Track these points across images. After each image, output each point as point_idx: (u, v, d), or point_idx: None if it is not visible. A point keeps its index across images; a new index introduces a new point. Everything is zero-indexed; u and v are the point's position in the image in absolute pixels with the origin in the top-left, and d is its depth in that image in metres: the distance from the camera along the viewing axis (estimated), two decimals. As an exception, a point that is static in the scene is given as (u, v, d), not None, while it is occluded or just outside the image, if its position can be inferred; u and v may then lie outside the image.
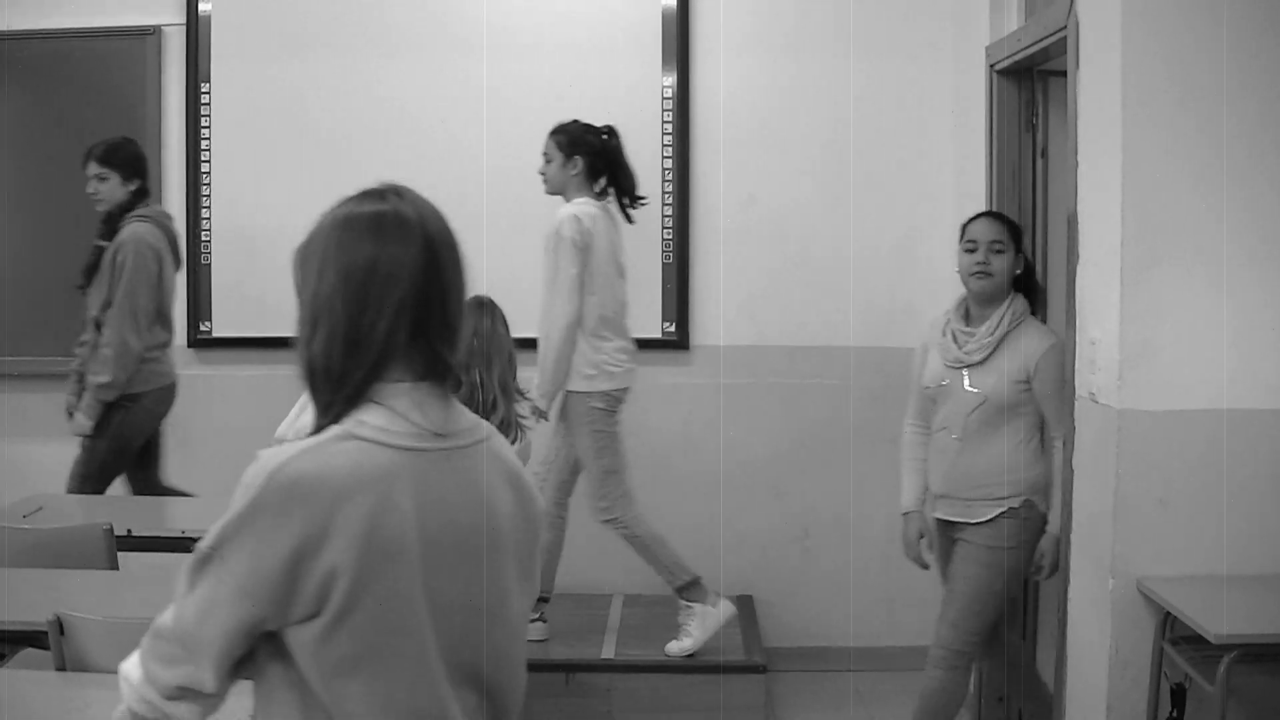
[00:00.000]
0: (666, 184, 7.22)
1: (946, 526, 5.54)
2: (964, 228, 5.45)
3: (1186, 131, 4.66)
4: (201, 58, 7.32)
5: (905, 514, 5.72)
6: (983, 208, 6.33)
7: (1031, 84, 6.18)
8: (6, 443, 7.28)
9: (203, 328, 7.37)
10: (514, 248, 7.20)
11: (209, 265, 7.34)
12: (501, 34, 7.24)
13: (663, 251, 7.26)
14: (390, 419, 2.39)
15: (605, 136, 6.41)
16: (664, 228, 7.24)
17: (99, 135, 7.10)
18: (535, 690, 6.23)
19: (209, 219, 7.34)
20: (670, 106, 7.23)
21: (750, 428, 7.30)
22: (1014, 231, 5.43)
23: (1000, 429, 5.31)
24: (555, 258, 6.19)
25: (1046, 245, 6.15)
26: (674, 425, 7.32)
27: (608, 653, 6.41)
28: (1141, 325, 4.67)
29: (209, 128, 7.33)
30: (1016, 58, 5.93)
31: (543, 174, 6.43)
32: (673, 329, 7.28)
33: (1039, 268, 6.18)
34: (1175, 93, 4.66)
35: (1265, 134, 4.68)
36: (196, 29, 7.31)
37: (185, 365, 7.23)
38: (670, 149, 7.21)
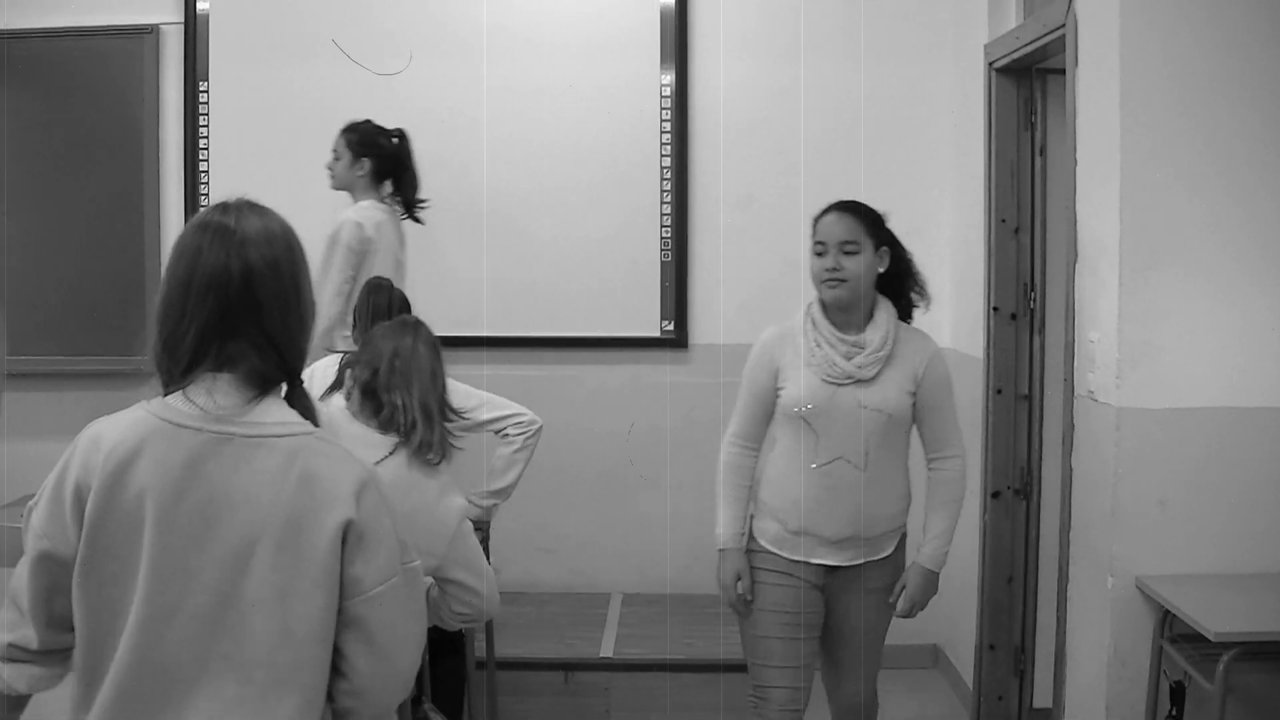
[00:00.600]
0: (665, 183, 7.22)
1: (826, 572, 4.78)
2: (814, 223, 4.73)
3: (1185, 130, 4.66)
4: (200, 56, 7.32)
5: (723, 550, 4.89)
6: (981, 206, 6.33)
7: (1030, 82, 6.18)
8: (7, 443, 7.28)
9: (201, 327, 7.35)
10: (514, 247, 7.21)
11: (208, 265, 7.32)
12: (501, 34, 7.24)
13: (661, 250, 7.25)
14: (181, 401, 2.59)
15: (396, 140, 6.50)
16: (662, 226, 7.23)
17: (97, 133, 7.11)
18: (533, 688, 6.28)
19: (207, 218, 7.32)
20: (669, 105, 7.23)
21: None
22: (873, 224, 4.70)
23: (900, 450, 4.73)
24: (328, 256, 6.20)
25: (1045, 243, 6.14)
26: (673, 424, 7.31)
27: (606, 651, 6.41)
28: (1140, 324, 4.67)
29: (207, 126, 7.33)
30: (1015, 56, 5.92)
31: (330, 170, 6.49)
32: (671, 328, 7.27)
33: (1038, 267, 6.17)
34: (1174, 91, 4.66)
35: (1264, 133, 4.68)
36: (195, 28, 7.31)
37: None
38: (669, 148, 7.21)
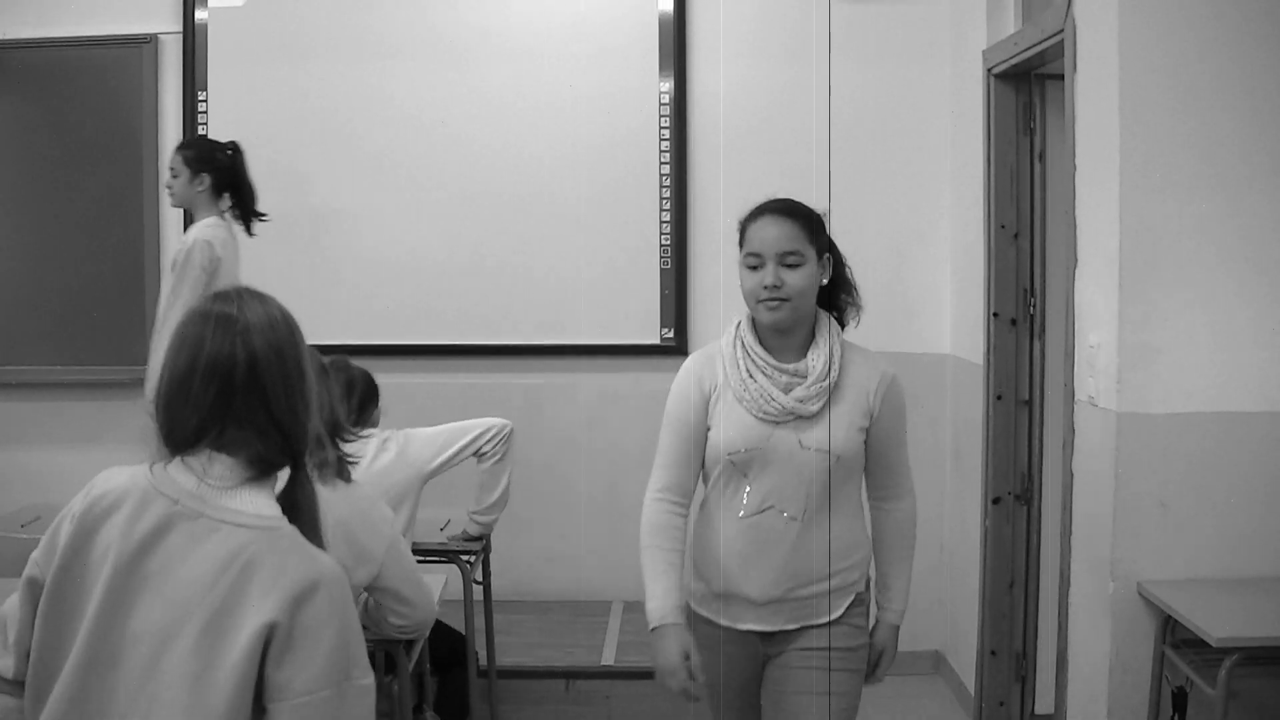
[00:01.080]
0: (664, 189, 7.22)
1: (763, 640, 4.04)
2: (742, 229, 3.99)
3: (1184, 135, 4.66)
4: (198, 66, 7.32)
5: (658, 628, 3.97)
6: (981, 211, 6.32)
7: (1029, 88, 6.17)
8: (3, 452, 7.28)
9: (200, 336, 7.35)
10: (513, 254, 7.21)
11: (208, 273, 7.34)
12: (499, 40, 7.24)
13: (660, 257, 7.25)
14: (178, 470, 2.62)
15: (230, 153, 6.50)
16: (662, 233, 7.23)
17: (96, 144, 7.11)
18: (535, 696, 6.28)
19: (206, 227, 7.33)
20: (668, 111, 7.22)
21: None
22: (815, 229, 3.95)
23: (850, 496, 3.98)
24: (181, 277, 6.22)
25: (1045, 249, 6.13)
26: (673, 431, 7.30)
27: (607, 659, 6.41)
28: (1140, 329, 4.66)
29: (205, 135, 7.32)
30: (1014, 61, 5.92)
31: (169, 189, 6.51)
32: (671, 335, 7.27)
33: (1037, 273, 6.17)
34: (1173, 96, 4.65)
35: (1263, 138, 4.68)
36: (193, 37, 7.31)
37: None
38: (668, 154, 7.20)
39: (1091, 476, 4.92)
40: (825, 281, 3.96)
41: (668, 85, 7.22)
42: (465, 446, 5.54)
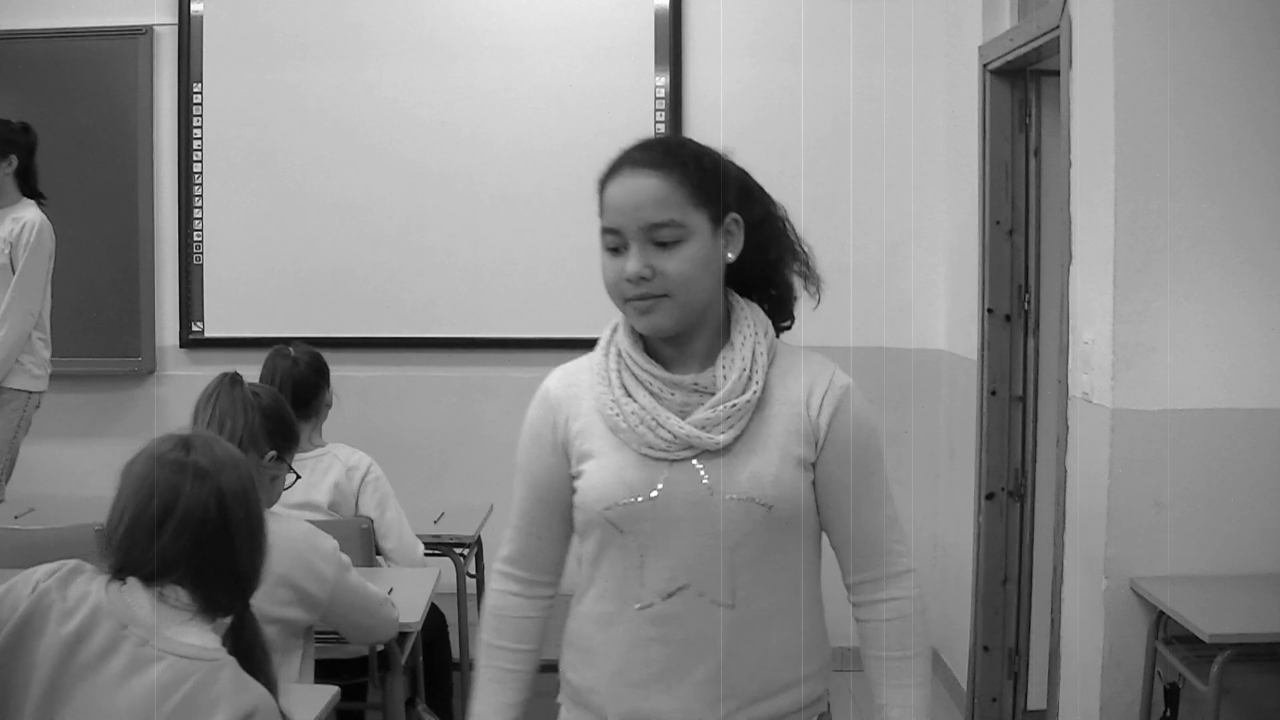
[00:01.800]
0: (659, 184, 7.21)
1: None
2: (600, 193, 2.76)
3: (1179, 131, 4.66)
4: (194, 57, 7.32)
5: None
6: (975, 207, 6.32)
7: (1024, 84, 6.17)
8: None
9: (195, 328, 7.36)
10: (509, 251, 7.22)
11: (201, 265, 7.33)
12: (495, 36, 7.24)
13: (656, 252, 7.24)
14: (132, 591, 2.66)
15: (26, 134, 6.52)
16: (657, 228, 7.22)
17: (91, 136, 7.11)
18: (535, 689, 6.26)
19: (201, 219, 7.33)
20: (663, 108, 7.22)
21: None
22: (701, 183, 2.68)
23: (794, 564, 2.72)
24: (35, 262, 6.30)
25: (1040, 245, 6.14)
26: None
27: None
28: (1134, 325, 4.67)
29: (201, 128, 7.32)
30: (1009, 57, 5.92)
31: None
32: (667, 329, 7.25)
33: (1032, 269, 6.17)
34: (1168, 92, 4.66)
35: (1259, 133, 4.68)
36: (189, 29, 7.30)
37: (177, 365, 7.26)
38: (663, 149, 7.19)
39: (1085, 473, 4.92)
40: (731, 257, 2.69)
41: (663, 81, 7.22)
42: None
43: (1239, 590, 4.56)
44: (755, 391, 2.64)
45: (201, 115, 7.32)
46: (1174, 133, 4.66)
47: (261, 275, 7.21)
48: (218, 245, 7.34)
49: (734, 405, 2.62)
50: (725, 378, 2.65)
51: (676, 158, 2.69)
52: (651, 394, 2.67)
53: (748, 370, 2.66)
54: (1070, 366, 5.08)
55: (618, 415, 2.67)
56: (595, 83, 7.22)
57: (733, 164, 2.82)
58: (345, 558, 4.04)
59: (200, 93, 7.34)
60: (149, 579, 2.64)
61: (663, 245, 2.60)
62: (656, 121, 7.22)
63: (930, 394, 7.10)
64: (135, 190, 7.30)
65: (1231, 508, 4.70)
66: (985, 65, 6.23)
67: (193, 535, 2.64)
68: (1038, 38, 5.51)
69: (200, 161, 7.34)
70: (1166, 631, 4.64)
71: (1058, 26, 5.19)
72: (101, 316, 7.35)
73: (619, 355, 2.74)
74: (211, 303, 7.35)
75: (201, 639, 2.65)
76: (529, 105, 7.23)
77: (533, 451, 2.84)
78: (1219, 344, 4.71)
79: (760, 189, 2.86)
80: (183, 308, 7.35)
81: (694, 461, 2.63)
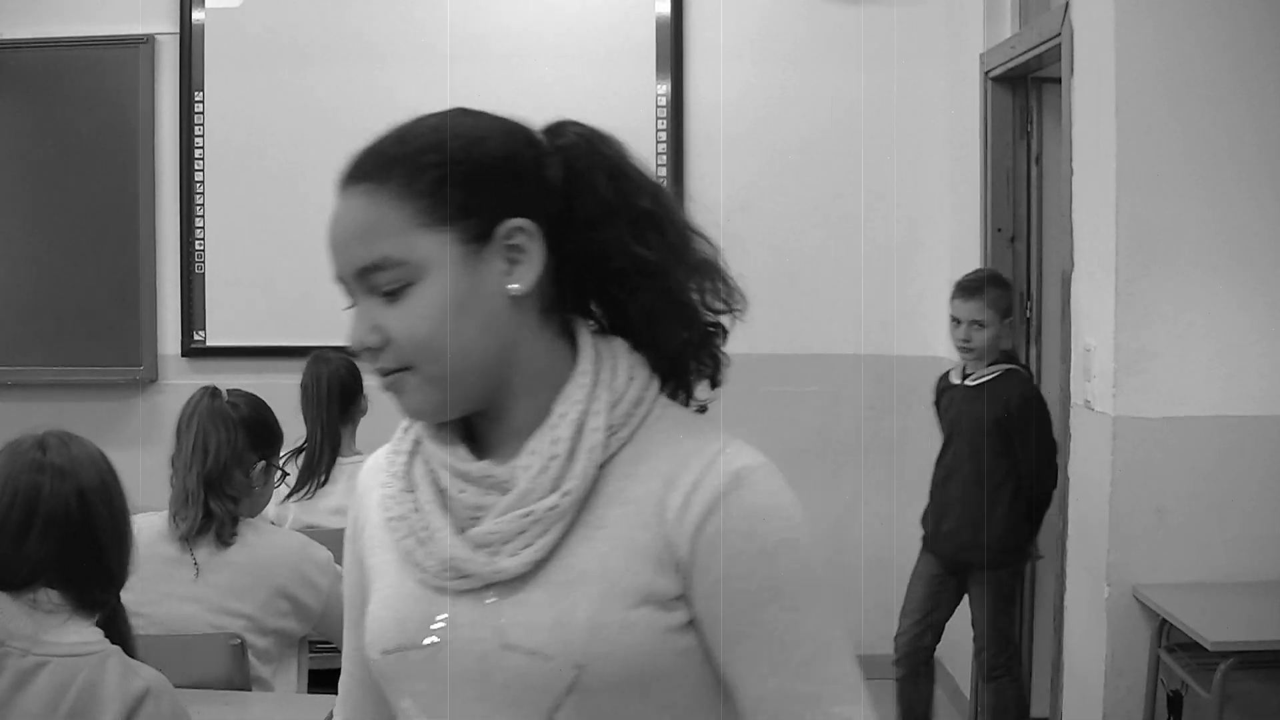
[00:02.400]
0: (661, 191, 7.21)
1: None
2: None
3: (1181, 138, 4.66)
4: (195, 66, 7.31)
5: None
6: (977, 215, 6.32)
7: (1026, 91, 6.18)
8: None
9: (196, 336, 7.35)
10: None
11: (202, 274, 7.32)
12: (497, 42, 7.23)
13: (657, 259, 7.23)
14: (2, 605, 2.62)
15: None
16: (658, 235, 7.22)
17: (92, 144, 7.10)
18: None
19: (203, 227, 7.32)
20: (664, 114, 7.22)
21: (745, 437, 7.27)
22: (438, 183, 1.83)
23: None
24: None
25: (1041, 253, 6.13)
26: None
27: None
28: (1136, 332, 4.66)
29: (203, 136, 7.32)
30: (1011, 65, 5.92)
31: None
32: (668, 337, 7.25)
33: (1033, 276, 6.17)
34: (1169, 99, 4.66)
35: (1260, 140, 4.68)
36: (190, 38, 7.29)
37: (179, 374, 7.24)
38: (664, 156, 7.20)
39: (1087, 480, 4.92)
40: (518, 288, 1.75)
41: (665, 87, 7.22)
42: None
43: (1241, 598, 4.56)
44: (569, 493, 1.70)
45: (203, 124, 7.31)
46: (1175, 140, 4.66)
47: (263, 284, 7.20)
48: (219, 254, 7.32)
49: (529, 513, 1.69)
50: (522, 470, 1.72)
51: (394, 157, 1.88)
52: (438, 489, 1.78)
53: (562, 458, 1.71)
54: (1072, 374, 5.08)
55: (390, 518, 1.80)
56: (596, 89, 7.21)
57: (527, 134, 1.99)
58: (339, 568, 4.01)
59: (202, 101, 7.33)
60: (19, 588, 2.62)
61: (387, 295, 1.74)
62: (658, 128, 7.21)
63: (932, 401, 7.09)
64: (136, 199, 7.29)
65: (1234, 515, 4.70)
66: (987, 72, 6.23)
67: (58, 536, 2.62)
68: (1039, 45, 5.51)
69: (202, 170, 7.33)
70: (1169, 639, 4.64)
71: (1059, 34, 5.19)
72: (102, 326, 7.34)
73: (413, 437, 1.85)
74: (213, 311, 7.34)
75: (81, 635, 2.64)
76: (530, 111, 7.19)
77: (350, 572, 1.97)
78: (1221, 351, 4.71)
79: (620, 162, 1.99)
80: (184, 316, 7.34)
81: (487, 595, 1.71)
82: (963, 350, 5.55)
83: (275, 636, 3.72)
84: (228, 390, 3.94)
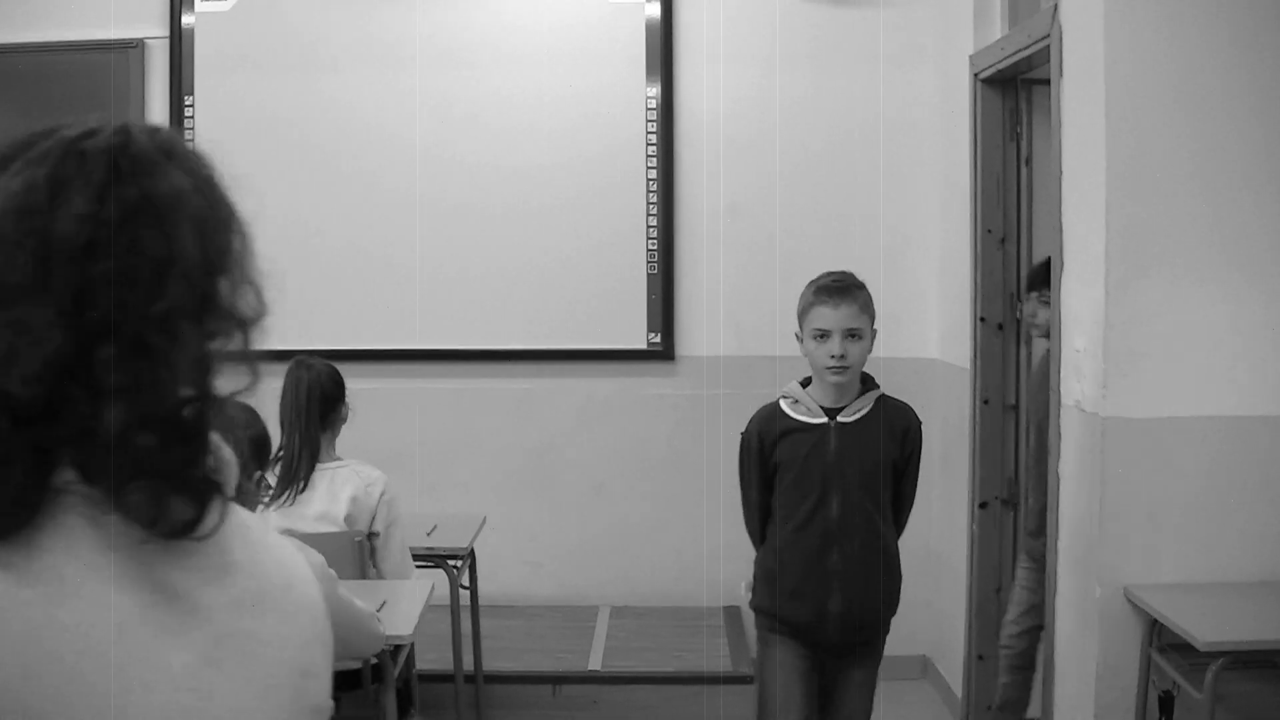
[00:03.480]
0: (651, 194, 7.22)
1: None
2: None
3: (1170, 139, 4.67)
4: (185, 71, 7.31)
5: None
6: (967, 216, 6.32)
7: (1015, 93, 6.18)
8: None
9: (186, 341, 7.34)
10: (500, 260, 7.21)
11: (193, 278, 7.31)
12: (485, 48, 7.24)
13: (648, 262, 7.25)
14: None
15: None
16: (649, 238, 7.23)
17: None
18: (521, 701, 6.28)
19: (193, 232, 7.31)
20: (654, 117, 7.23)
21: (736, 438, 7.28)
22: None
23: None
24: None
25: (1031, 254, 6.14)
26: (660, 436, 7.31)
27: (594, 664, 6.41)
28: (1126, 333, 4.67)
29: (193, 141, 7.26)
30: (1000, 66, 5.93)
31: None
32: (658, 340, 7.27)
33: (1024, 277, 6.17)
34: (1159, 100, 4.66)
35: (1251, 141, 4.68)
36: (180, 42, 7.30)
37: (170, 379, 7.24)
38: (655, 159, 7.21)
39: (1077, 481, 4.92)
40: None
41: (655, 90, 7.22)
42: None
43: (1233, 597, 4.56)
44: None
45: (193, 128, 7.31)
46: (1165, 140, 4.66)
47: (255, 288, 7.19)
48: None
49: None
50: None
51: None
52: None
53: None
54: (1062, 374, 5.08)
55: None
56: (587, 92, 7.23)
57: None
58: (332, 572, 3.99)
59: (192, 105, 7.34)
60: None
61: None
62: (648, 130, 7.22)
63: (923, 403, 7.04)
64: (126, 203, 7.28)
65: (1225, 515, 4.70)
66: (976, 74, 6.24)
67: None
68: (1028, 46, 5.52)
69: (192, 174, 7.32)
70: (1161, 639, 4.64)
71: (1048, 35, 5.19)
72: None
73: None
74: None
75: None
76: (521, 114, 7.23)
77: None
78: (1212, 351, 4.71)
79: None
80: (175, 320, 7.34)
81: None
82: (834, 371, 4.65)
83: None
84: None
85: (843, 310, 4.60)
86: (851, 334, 4.59)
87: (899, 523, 4.85)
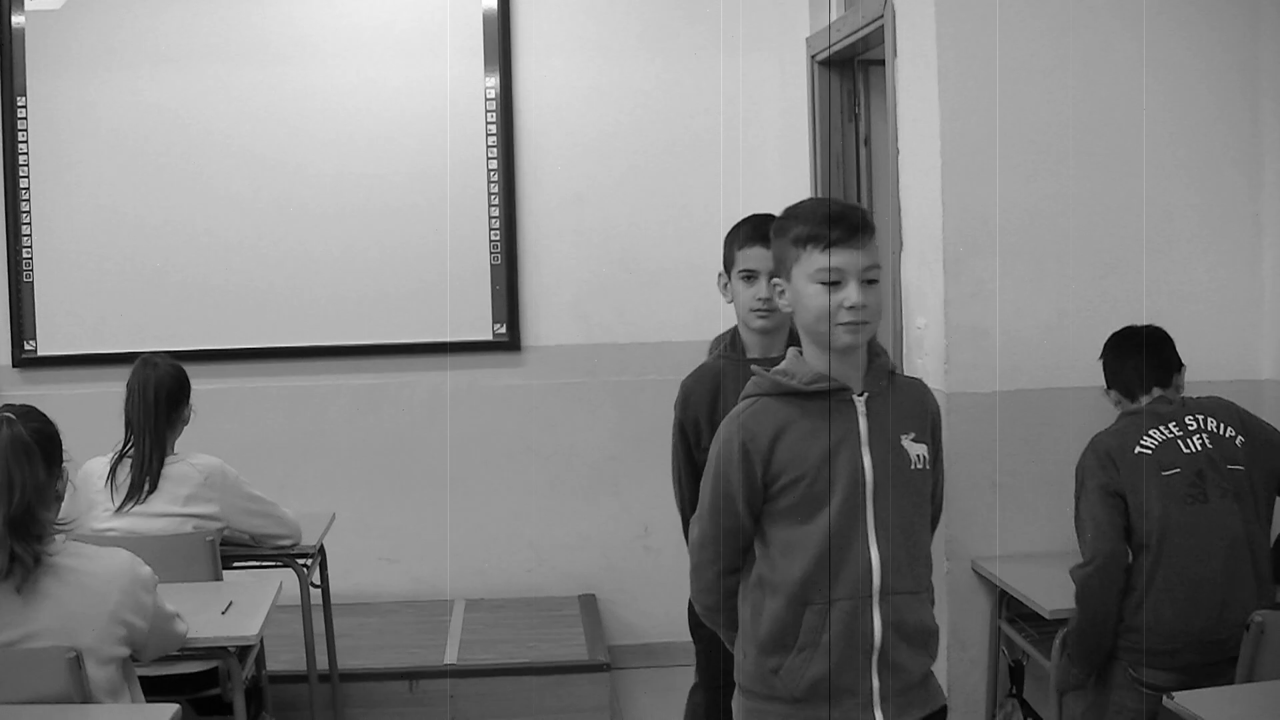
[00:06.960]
0: (492, 185, 7.18)
1: None
2: None
3: (1004, 116, 4.73)
4: (16, 71, 7.17)
5: None
6: (808, 196, 6.36)
7: (853, 74, 6.23)
8: None
9: (27, 346, 7.21)
10: (341, 255, 7.16)
11: (31, 283, 7.19)
12: (318, 42, 7.16)
13: (490, 253, 7.21)
14: None
15: None
16: (491, 229, 7.20)
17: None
18: (377, 699, 6.23)
19: (29, 235, 7.19)
20: (494, 108, 7.19)
21: (586, 427, 7.29)
22: None
23: None
24: None
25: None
26: (509, 427, 7.28)
27: (450, 658, 6.38)
28: (965, 309, 4.72)
29: (26, 142, 7.18)
30: (836, 48, 5.97)
31: None
32: (504, 330, 7.24)
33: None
34: (990, 79, 4.72)
35: (1082, 115, 4.76)
36: (10, 42, 7.16)
37: (11, 385, 7.09)
38: (495, 150, 7.17)
39: (923, 457, 4.97)
40: None
41: (493, 81, 7.19)
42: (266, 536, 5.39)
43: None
44: None
45: (26, 129, 7.18)
46: (998, 119, 4.72)
47: (94, 291, 7.07)
48: (48, 262, 7.18)
49: None
50: None
51: None
52: None
53: None
54: (905, 352, 5.12)
55: None
56: (425, 83, 7.18)
57: None
58: (156, 577, 3.88)
59: (25, 107, 7.20)
60: None
61: None
62: (488, 121, 7.18)
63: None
64: (-41, 208, 7.15)
65: (1067, 484, 4.76)
66: (813, 56, 6.28)
67: None
68: (863, 28, 5.56)
69: (27, 177, 7.20)
70: (1009, 610, 4.70)
71: (882, 16, 5.24)
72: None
73: None
74: (44, 321, 7.21)
75: None
76: (358, 107, 7.17)
77: None
78: (1051, 325, 4.78)
79: None
80: (14, 326, 7.19)
81: None
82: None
83: (115, 664, 3.59)
84: (3, 406, 3.59)
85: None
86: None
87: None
